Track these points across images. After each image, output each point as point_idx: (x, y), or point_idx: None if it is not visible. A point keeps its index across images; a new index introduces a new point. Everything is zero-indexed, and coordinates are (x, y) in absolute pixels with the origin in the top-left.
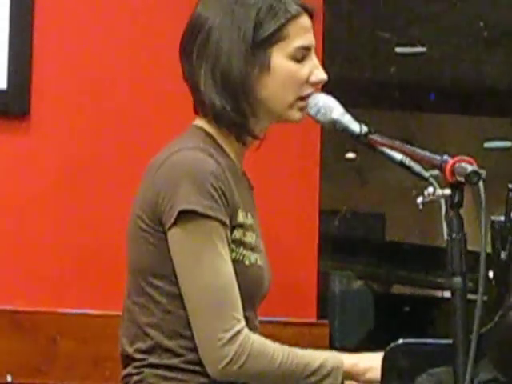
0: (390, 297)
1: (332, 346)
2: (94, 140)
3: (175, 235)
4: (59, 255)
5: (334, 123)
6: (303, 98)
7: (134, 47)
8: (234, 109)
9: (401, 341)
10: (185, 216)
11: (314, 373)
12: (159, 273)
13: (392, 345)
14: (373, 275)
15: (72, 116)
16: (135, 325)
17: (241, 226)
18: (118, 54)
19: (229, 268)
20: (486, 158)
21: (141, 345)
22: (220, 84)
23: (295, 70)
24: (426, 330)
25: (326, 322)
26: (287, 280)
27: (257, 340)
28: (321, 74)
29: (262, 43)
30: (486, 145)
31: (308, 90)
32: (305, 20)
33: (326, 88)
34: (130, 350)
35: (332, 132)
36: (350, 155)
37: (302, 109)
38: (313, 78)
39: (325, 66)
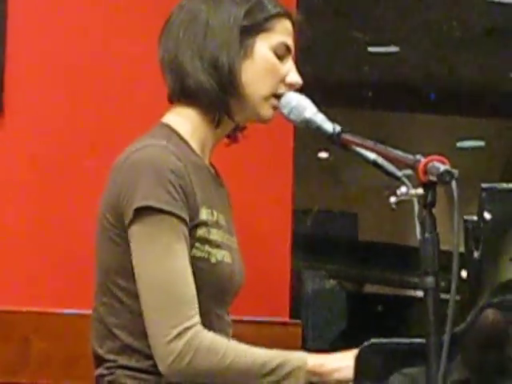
0: (363, 296)
1: (305, 346)
2: (68, 136)
3: (133, 232)
4: (32, 253)
5: (307, 122)
6: (277, 97)
7: (108, 44)
8: (219, 87)
9: (373, 340)
10: (141, 212)
11: (270, 372)
12: (124, 273)
13: (364, 344)
14: (346, 274)
15: (46, 112)
16: (103, 326)
17: (204, 223)
18: (91, 51)
19: (181, 263)
20: (458, 158)
21: (110, 346)
22: (208, 63)
23: (275, 62)
24: (398, 330)
25: (298, 321)
26: (260, 279)
27: (208, 337)
28: (296, 77)
29: (249, 29)
30: (459, 144)
31: (283, 90)
32: (288, 24)
33: (299, 87)
34: (100, 352)
35: (305, 131)
36: (323, 154)
37: (274, 107)
38: (289, 79)
39: (298, 65)
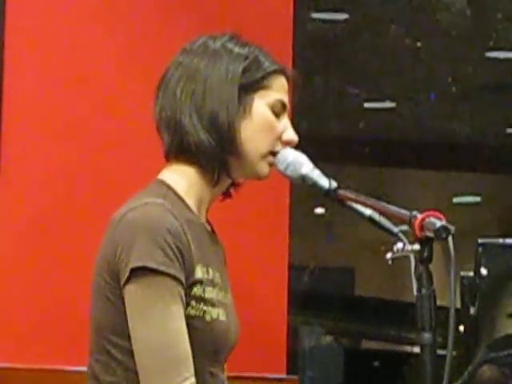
0: (359, 352)
1: None
2: (65, 192)
3: (128, 292)
4: (27, 310)
5: (304, 178)
6: (274, 154)
7: (101, 101)
8: (218, 145)
9: None
10: (137, 273)
11: None
12: (119, 331)
13: None
14: (342, 330)
15: (43, 169)
16: (99, 383)
17: (200, 281)
18: (83, 106)
19: (178, 324)
20: (455, 213)
21: None
22: (206, 120)
23: (273, 120)
24: None
25: (295, 377)
26: (257, 335)
27: None
28: (292, 134)
29: (247, 87)
30: (455, 200)
31: (279, 147)
32: (284, 81)
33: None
34: None
35: (301, 187)
36: (319, 210)
37: (270, 164)
38: (285, 137)
39: (294, 121)
